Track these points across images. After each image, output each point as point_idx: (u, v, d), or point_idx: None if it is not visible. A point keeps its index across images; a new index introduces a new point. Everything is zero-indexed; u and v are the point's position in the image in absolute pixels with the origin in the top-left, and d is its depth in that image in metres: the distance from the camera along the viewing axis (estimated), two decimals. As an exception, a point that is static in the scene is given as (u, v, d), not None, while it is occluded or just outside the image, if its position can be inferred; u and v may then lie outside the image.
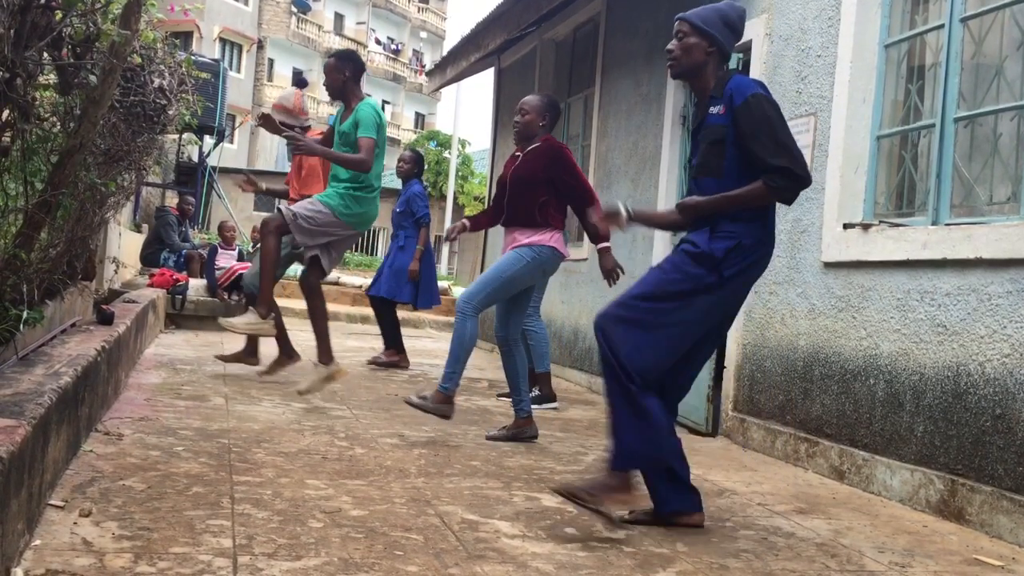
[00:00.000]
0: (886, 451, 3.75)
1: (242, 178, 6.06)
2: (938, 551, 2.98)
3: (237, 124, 32.75)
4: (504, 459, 3.85)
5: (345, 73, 5.17)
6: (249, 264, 7.68)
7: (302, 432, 4.00)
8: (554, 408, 5.52)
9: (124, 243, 8.88)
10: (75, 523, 2.41)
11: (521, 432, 4.34)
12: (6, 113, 2.98)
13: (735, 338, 4.93)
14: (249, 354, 5.91)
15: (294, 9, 38.46)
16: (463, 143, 27.36)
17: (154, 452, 3.32)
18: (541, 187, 4.35)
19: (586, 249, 6.71)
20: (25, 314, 3.22)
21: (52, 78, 3.60)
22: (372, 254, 22.60)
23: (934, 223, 3.73)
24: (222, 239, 9.92)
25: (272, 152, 34.46)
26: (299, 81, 6.88)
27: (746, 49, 5.05)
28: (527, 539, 2.68)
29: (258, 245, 5.52)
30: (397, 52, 44.81)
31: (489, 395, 5.91)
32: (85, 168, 3.73)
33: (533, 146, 4.47)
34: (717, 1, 3.16)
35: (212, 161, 14.51)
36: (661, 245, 5.73)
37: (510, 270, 4.28)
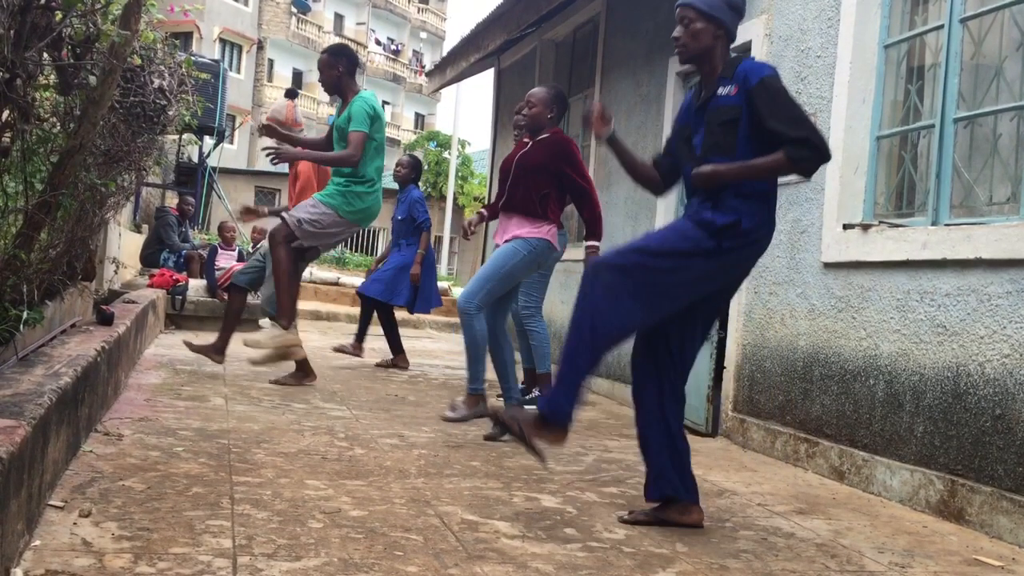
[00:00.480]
0: (886, 451, 3.75)
1: (240, 209, 6.04)
2: (938, 551, 2.98)
3: (237, 125, 32.76)
4: (504, 459, 3.85)
5: (339, 68, 5.17)
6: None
7: (302, 432, 4.00)
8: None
9: (124, 243, 8.88)
10: (75, 523, 2.41)
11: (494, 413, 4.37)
12: (6, 113, 2.98)
13: (735, 338, 4.94)
14: (217, 351, 5.68)
15: (294, 9, 38.46)
16: (463, 143, 27.37)
17: (154, 452, 3.32)
18: (544, 178, 4.35)
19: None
20: (25, 314, 3.22)
21: (52, 78, 3.60)
22: (372, 254, 22.60)
23: (934, 223, 3.73)
24: (222, 239, 9.92)
25: (272, 153, 34.41)
26: (290, 92, 6.87)
27: (746, 50, 5.05)
28: (527, 539, 2.68)
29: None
30: (397, 52, 44.82)
31: (489, 395, 5.90)
32: (85, 168, 3.73)
33: (542, 136, 4.48)
34: None
35: (212, 162, 14.53)
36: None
37: (507, 264, 4.29)
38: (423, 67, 41.41)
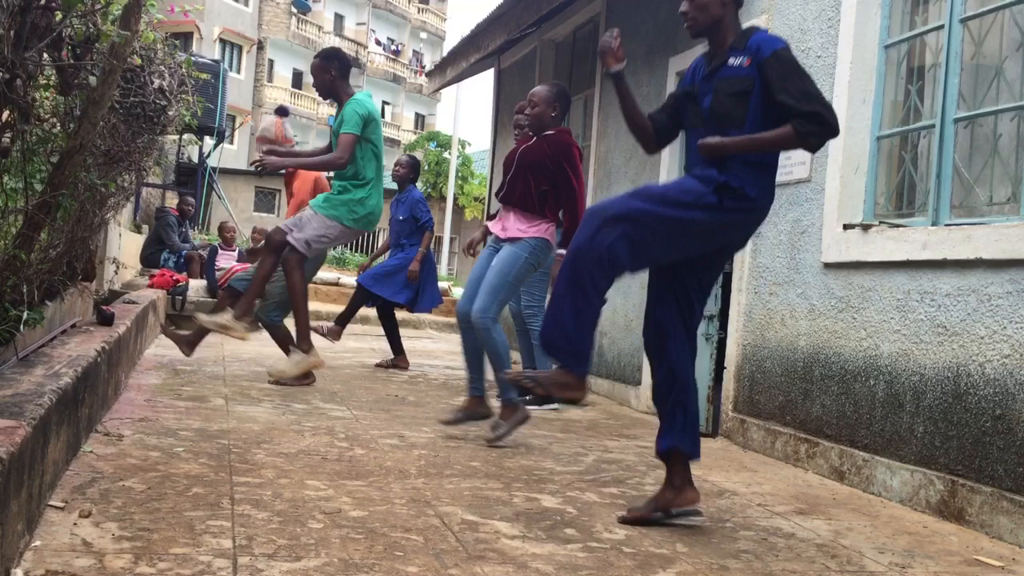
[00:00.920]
0: (886, 452, 3.75)
1: (257, 236, 6.06)
2: (938, 552, 2.98)
3: (237, 125, 32.75)
4: (504, 460, 3.85)
5: (331, 72, 5.17)
6: (248, 265, 7.67)
7: (302, 433, 4.00)
8: (554, 408, 5.52)
9: (124, 244, 8.89)
10: (75, 524, 2.41)
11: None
12: (6, 114, 2.98)
13: (735, 339, 4.94)
14: (189, 344, 5.57)
15: (294, 10, 38.47)
16: (463, 144, 27.35)
17: (154, 453, 3.32)
18: (545, 175, 4.34)
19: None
20: (25, 315, 3.22)
21: (53, 78, 3.60)
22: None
23: (934, 224, 3.73)
24: (222, 240, 9.93)
25: (272, 153, 34.41)
26: (279, 109, 6.87)
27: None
28: (527, 540, 2.68)
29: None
30: (397, 53, 44.83)
31: (489, 395, 5.89)
32: (85, 169, 3.73)
33: (548, 133, 4.47)
34: None
35: (212, 162, 14.53)
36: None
37: (512, 271, 4.28)
38: (423, 67, 41.43)
